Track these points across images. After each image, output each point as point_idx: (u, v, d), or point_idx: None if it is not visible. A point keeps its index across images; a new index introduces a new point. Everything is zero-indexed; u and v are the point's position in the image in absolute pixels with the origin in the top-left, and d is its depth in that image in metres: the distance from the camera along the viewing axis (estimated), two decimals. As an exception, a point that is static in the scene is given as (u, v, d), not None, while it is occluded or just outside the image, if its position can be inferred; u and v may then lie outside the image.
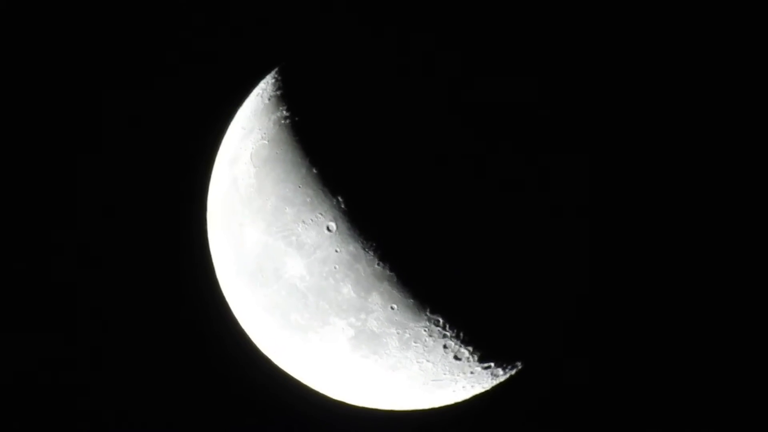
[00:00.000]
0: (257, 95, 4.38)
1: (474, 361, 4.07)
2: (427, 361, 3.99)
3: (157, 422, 6.54)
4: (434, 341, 3.88)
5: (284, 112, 4.01)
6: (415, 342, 3.88)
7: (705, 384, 6.32)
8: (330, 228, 3.70)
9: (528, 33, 4.31)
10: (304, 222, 3.75)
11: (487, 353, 4.08)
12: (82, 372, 6.52)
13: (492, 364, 4.19)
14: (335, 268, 3.73)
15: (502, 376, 4.42)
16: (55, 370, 6.44)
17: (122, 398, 6.54)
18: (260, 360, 4.69)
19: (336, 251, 3.71)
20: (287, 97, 4.09)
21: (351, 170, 3.69)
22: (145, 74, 6.34)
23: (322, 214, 3.71)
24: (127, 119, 6.35)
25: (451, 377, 4.16)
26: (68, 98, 6.32)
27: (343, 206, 3.68)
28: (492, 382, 4.48)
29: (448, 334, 3.86)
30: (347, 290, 3.75)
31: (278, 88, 4.20)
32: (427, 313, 3.77)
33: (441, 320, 3.80)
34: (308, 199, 3.75)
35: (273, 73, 4.40)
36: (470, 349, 3.98)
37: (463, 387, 4.35)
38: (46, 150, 6.34)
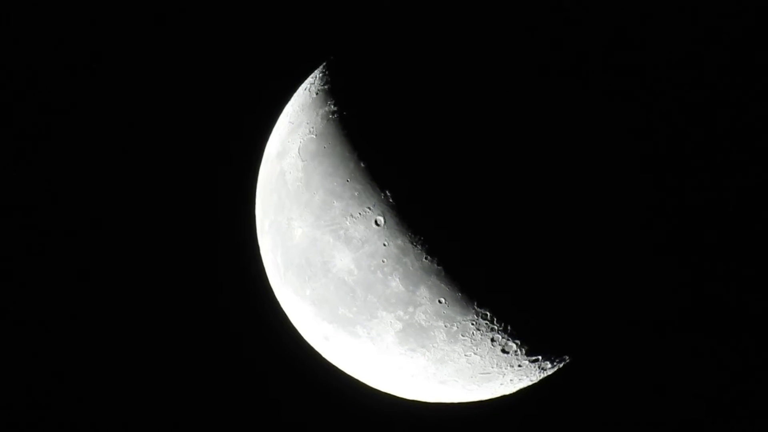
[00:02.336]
0: (305, 89, 4.39)
1: (522, 354, 4.05)
2: (475, 354, 3.97)
3: (204, 415, 6.63)
4: (482, 335, 3.87)
5: (332, 106, 4.01)
6: (462, 335, 3.87)
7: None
8: (378, 222, 3.70)
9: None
10: (352, 216, 3.76)
11: (534, 347, 4.05)
12: (125, 369, 6.64)
13: (540, 358, 4.16)
14: (383, 261, 3.73)
15: (549, 369, 4.40)
16: (113, 366, 6.57)
17: (169, 392, 6.64)
18: (308, 353, 4.73)
19: (384, 245, 3.71)
20: (335, 91, 4.09)
21: (399, 164, 3.67)
22: (194, 69, 6.39)
23: (370, 208, 3.71)
24: (175, 114, 6.42)
25: (498, 370, 4.14)
26: (118, 92, 6.41)
27: (391, 200, 3.67)
28: (539, 376, 4.45)
29: (495, 327, 3.84)
30: (395, 284, 3.75)
31: (326, 83, 4.20)
32: (475, 307, 3.75)
33: (489, 314, 3.78)
34: (356, 193, 3.75)
35: (321, 68, 4.40)
36: (518, 342, 3.96)
37: (511, 380, 4.33)
38: (92, 144, 6.45)
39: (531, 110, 3.71)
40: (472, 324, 3.81)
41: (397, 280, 3.74)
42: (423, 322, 3.82)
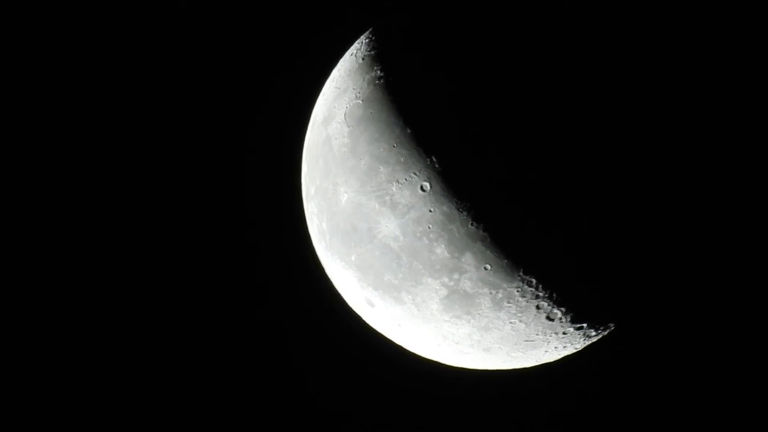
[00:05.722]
0: (351, 55, 4.36)
1: (566, 321, 4.04)
2: (520, 321, 3.97)
3: (247, 382, 6.75)
4: (527, 302, 3.86)
5: (378, 71, 3.98)
6: (507, 302, 3.86)
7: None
8: (424, 188, 3.68)
9: None
10: (398, 182, 3.75)
11: (579, 314, 4.03)
12: (167, 340, 6.77)
13: (585, 325, 4.14)
14: (429, 228, 3.72)
15: (594, 336, 4.38)
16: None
17: (212, 359, 6.77)
18: (352, 320, 4.76)
19: (430, 211, 3.69)
20: (381, 56, 4.06)
21: (445, 130, 3.64)
22: (239, 33, 6.41)
23: (416, 174, 3.69)
24: (221, 80, 6.47)
25: (543, 338, 4.13)
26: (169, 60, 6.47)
27: (437, 166, 3.65)
28: (584, 343, 4.44)
29: (541, 294, 3.82)
30: (441, 250, 3.74)
31: (372, 48, 4.16)
32: (521, 274, 3.73)
33: (534, 281, 3.76)
34: (402, 159, 3.73)
35: (367, 33, 4.37)
36: (563, 309, 3.94)
37: (555, 347, 4.33)
38: (155, 121, 6.53)
39: (586, 74, 3.65)
40: (518, 291, 3.80)
41: (443, 246, 3.73)
42: (468, 289, 3.82)
